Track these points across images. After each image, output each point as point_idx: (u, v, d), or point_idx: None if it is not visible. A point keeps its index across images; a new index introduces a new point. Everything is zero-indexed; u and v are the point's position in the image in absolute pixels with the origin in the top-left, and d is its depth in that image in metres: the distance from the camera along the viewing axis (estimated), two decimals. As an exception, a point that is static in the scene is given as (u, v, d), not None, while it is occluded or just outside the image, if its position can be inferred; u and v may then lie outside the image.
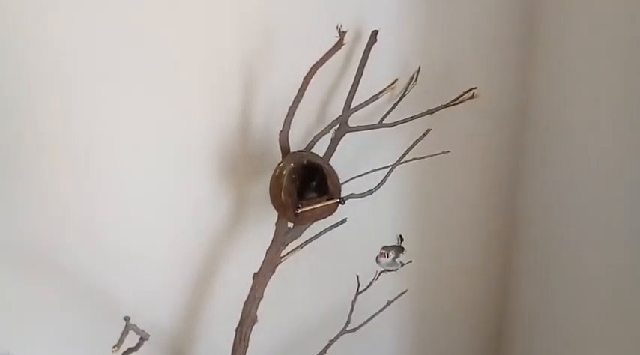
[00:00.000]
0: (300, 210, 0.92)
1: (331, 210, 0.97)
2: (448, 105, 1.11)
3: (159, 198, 1.16)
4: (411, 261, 1.08)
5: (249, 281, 1.09)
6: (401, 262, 1.05)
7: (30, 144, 1.06)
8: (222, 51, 1.09)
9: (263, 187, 1.05)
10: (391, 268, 1.05)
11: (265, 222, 1.09)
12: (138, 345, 0.74)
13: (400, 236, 1.09)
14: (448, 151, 1.09)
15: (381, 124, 1.11)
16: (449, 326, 1.38)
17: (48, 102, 1.05)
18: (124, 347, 0.74)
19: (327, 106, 1.16)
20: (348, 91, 1.06)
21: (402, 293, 1.15)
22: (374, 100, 1.04)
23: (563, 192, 1.15)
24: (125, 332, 0.71)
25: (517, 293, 1.34)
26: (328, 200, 0.95)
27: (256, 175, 1.19)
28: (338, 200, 0.95)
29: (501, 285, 1.35)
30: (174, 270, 1.22)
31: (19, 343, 1.15)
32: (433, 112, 1.11)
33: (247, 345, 1.11)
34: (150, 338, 1.19)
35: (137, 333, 0.72)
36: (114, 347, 0.71)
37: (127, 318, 0.69)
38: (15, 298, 1.13)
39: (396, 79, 1.08)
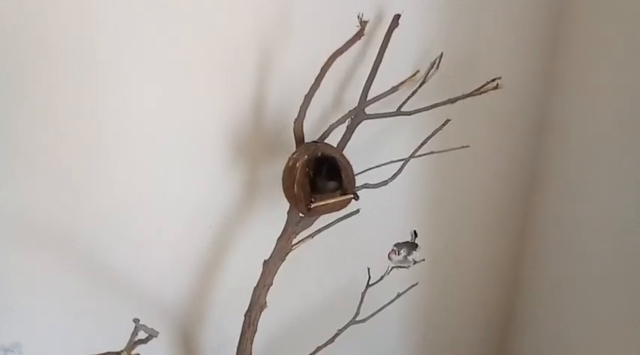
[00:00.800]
0: (313, 205, 0.90)
1: (344, 204, 0.95)
2: (470, 94, 1.06)
3: (171, 180, 1.15)
4: (423, 260, 1.06)
5: (259, 265, 1.08)
6: (413, 260, 1.03)
7: (41, 121, 1.04)
8: (239, 34, 1.05)
9: (276, 171, 1.03)
10: (403, 265, 1.04)
11: (277, 205, 1.07)
12: (147, 339, 0.74)
13: (414, 231, 1.07)
14: (467, 146, 1.06)
15: (398, 112, 1.08)
16: (456, 321, 1.38)
17: (59, 79, 1.02)
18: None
19: (343, 91, 1.12)
20: (366, 79, 1.01)
21: (413, 285, 1.14)
22: (393, 92, 1.00)
23: (580, 191, 1.13)
24: (135, 334, 0.70)
25: (526, 291, 1.34)
26: (342, 195, 0.93)
27: (269, 159, 1.16)
28: (352, 196, 0.92)
29: (511, 283, 1.35)
30: (185, 252, 1.21)
31: (29, 319, 1.16)
32: (454, 101, 1.06)
33: (256, 330, 1.11)
34: (160, 312, 1.24)
35: (146, 333, 0.71)
36: (122, 352, 0.70)
37: (136, 321, 0.69)
38: (25, 275, 1.14)
39: (417, 71, 1.03)
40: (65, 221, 1.12)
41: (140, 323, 0.68)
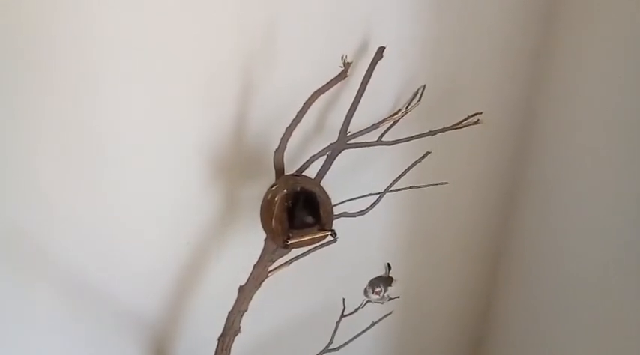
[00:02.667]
0: (290, 241, 0.90)
1: (321, 239, 0.95)
2: (451, 128, 1.07)
3: (148, 196, 1.12)
4: (398, 297, 1.07)
5: (235, 285, 1.08)
6: (388, 296, 1.04)
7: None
8: (221, 52, 1.03)
9: (255, 192, 1.02)
10: (378, 302, 1.05)
11: (256, 225, 1.06)
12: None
13: (388, 264, 1.07)
14: (446, 183, 1.06)
15: (379, 142, 1.07)
16: (430, 348, 1.40)
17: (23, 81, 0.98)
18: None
19: (326, 116, 1.12)
20: (348, 110, 1.01)
21: (387, 315, 1.15)
22: (374, 129, 1.00)
23: (556, 229, 1.14)
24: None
25: (498, 322, 1.36)
26: (319, 230, 0.93)
27: (249, 179, 1.16)
28: (329, 232, 0.92)
29: (484, 315, 1.37)
30: (161, 268, 1.20)
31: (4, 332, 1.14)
32: (434, 134, 1.07)
33: (229, 355, 1.11)
34: (135, 327, 1.23)
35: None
36: None
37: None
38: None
39: (399, 110, 1.03)
40: (38, 233, 1.09)
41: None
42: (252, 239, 1.06)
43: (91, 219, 1.10)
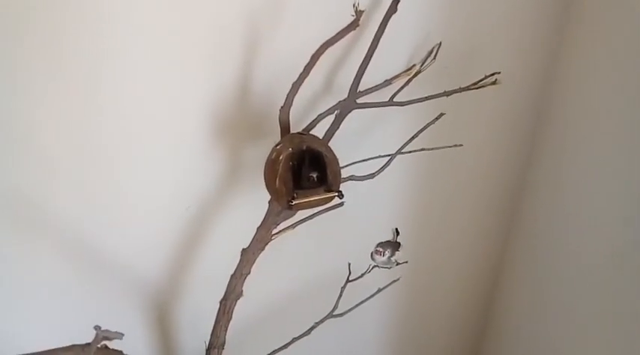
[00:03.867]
0: (295, 202, 0.86)
1: (327, 201, 0.91)
2: (466, 88, 1.01)
3: (148, 158, 1.09)
4: (406, 262, 1.03)
5: (238, 250, 1.05)
6: (396, 261, 1.00)
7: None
8: (226, 8, 0.97)
9: (259, 154, 0.98)
10: (385, 266, 1.01)
11: (259, 189, 1.02)
12: (112, 337, 0.70)
13: (396, 229, 1.03)
14: (461, 145, 1.01)
15: (391, 102, 1.02)
16: (434, 321, 1.37)
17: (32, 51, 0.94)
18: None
19: (335, 76, 1.06)
20: (359, 67, 0.96)
21: (394, 281, 1.11)
22: (386, 85, 0.94)
23: (572, 198, 1.09)
24: (96, 342, 0.67)
25: (506, 297, 1.33)
26: (326, 191, 0.89)
27: (253, 141, 1.11)
28: (336, 194, 0.88)
29: (491, 286, 1.33)
30: (162, 233, 1.16)
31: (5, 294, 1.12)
32: (449, 94, 1.01)
33: (230, 318, 1.09)
34: (136, 291, 1.20)
35: (110, 338, 0.68)
36: None
37: (97, 328, 0.65)
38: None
39: (413, 65, 0.97)
40: (39, 198, 1.06)
41: (102, 329, 0.64)
42: (257, 201, 1.02)
43: (93, 183, 1.07)
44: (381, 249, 0.99)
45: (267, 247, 1.05)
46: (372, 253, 1.01)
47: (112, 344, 0.87)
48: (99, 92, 0.99)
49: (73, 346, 0.79)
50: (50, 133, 1.01)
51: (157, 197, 1.12)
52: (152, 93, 1.02)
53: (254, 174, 1.10)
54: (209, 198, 1.15)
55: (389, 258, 0.99)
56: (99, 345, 0.83)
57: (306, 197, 0.87)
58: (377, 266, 1.03)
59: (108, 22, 0.93)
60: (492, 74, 1.00)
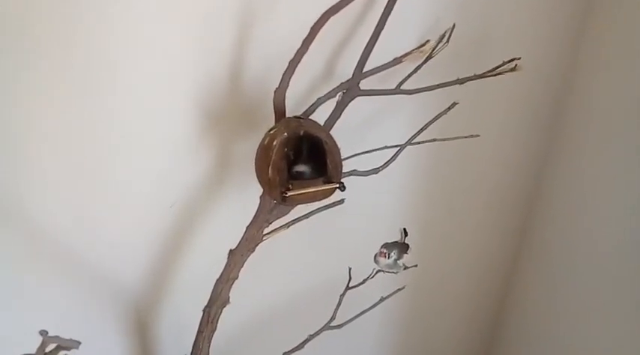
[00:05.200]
0: (289, 194, 0.75)
1: (327, 194, 0.81)
2: (483, 75, 0.92)
3: (130, 151, 0.99)
4: (415, 266, 0.93)
5: (224, 254, 0.95)
6: (404, 265, 0.89)
7: None
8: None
9: (251, 147, 0.87)
10: (391, 270, 0.90)
11: (250, 186, 0.92)
12: (69, 347, 0.59)
13: (404, 229, 0.93)
14: (477, 135, 0.91)
15: (398, 90, 0.93)
16: (442, 329, 1.27)
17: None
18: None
19: (337, 61, 0.97)
20: (364, 47, 0.86)
21: (399, 289, 1.00)
22: (395, 64, 0.85)
23: (590, 194, 1.00)
24: (41, 350, 0.55)
25: (519, 301, 1.23)
26: (325, 183, 0.78)
27: (245, 133, 1.02)
28: (337, 185, 0.78)
29: (504, 291, 1.24)
30: (143, 233, 1.06)
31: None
32: (463, 82, 0.92)
33: (215, 329, 0.98)
34: (113, 296, 1.09)
35: (62, 345, 0.56)
36: None
37: (43, 333, 0.53)
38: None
39: (428, 41, 0.87)
40: (14, 194, 0.96)
41: (49, 335, 0.52)
42: (248, 199, 0.93)
43: (72, 180, 0.98)
44: (385, 251, 0.88)
45: (257, 249, 0.95)
46: (375, 255, 0.90)
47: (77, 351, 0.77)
48: (78, 83, 0.90)
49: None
50: (23, 127, 0.91)
51: (138, 194, 1.02)
52: (134, 82, 0.93)
53: (245, 169, 0.99)
54: (195, 195, 1.05)
55: (395, 260, 0.88)
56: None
57: (303, 188, 0.77)
58: (381, 270, 0.91)
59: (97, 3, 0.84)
60: (512, 60, 0.91)
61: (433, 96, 0.93)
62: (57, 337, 0.54)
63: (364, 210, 1.05)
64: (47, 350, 0.62)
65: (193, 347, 0.98)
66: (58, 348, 0.62)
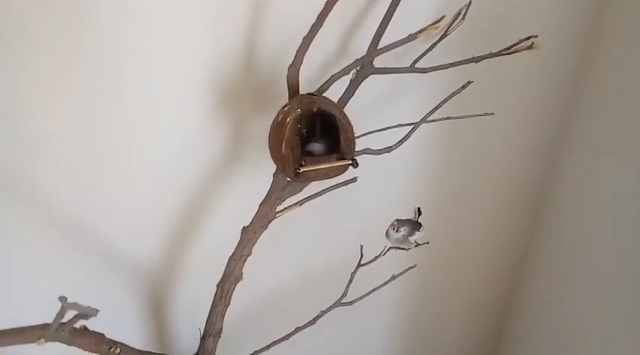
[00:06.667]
0: (302, 170, 0.75)
1: (340, 170, 0.81)
2: (499, 53, 0.91)
3: (145, 131, 0.99)
4: (427, 243, 0.93)
5: (238, 233, 0.95)
6: (416, 241, 0.89)
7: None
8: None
9: (265, 125, 0.88)
10: (402, 246, 0.90)
11: (265, 165, 0.92)
12: (87, 315, 0.60)
13: (418, 209, 0.92)
14: (492, 113, 0.90)
15: (412, 68, 0.92)
16: (451, 313, 1.27)
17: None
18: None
19: (351, 39, 0.96)
20: (379, 24, 0.85)
21: (410, 267, 1.00)
22: (409, 41, 0.84)
23: (602, 183, 0.98)
24: (60, 315, 0.57)
25: (528, 287, 1.23)
26: (338, 159, 0.78)
27: (259, 111, 1.01)
28: (350, 162, 0.78)
29: (514, 279, 1.23)
30: (159, 211, 1.07)
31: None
32: (478, 61, 0.91)
33: (229, 303, 0.99)
34: (129, 280, 1.11)
35: (80, 312, 0.58)
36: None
37: (62, 299, 0.55)
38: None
39: (443, 16, 0.86)
40: (30, 173, 0.97)
41: (68, 302, 0.54)
42: (262, 177, 0.92)
43: (81, 157, 0.98)
44: (396, 224, 0.87)
45: (270, 227, 0.95)
46: (387, 230, 0.90)
47: (92, 325, 0.79)
48: (94, 64, 0.90)
49: (46, 325, 0.69)
50: (43, 104, 0.91)
51: (152, 171, 1.03)
52: (149, 59, 0.93)
53: (259, 146, 0.99)
54: (210, 172, 1.06)
55: (404, 236, 0.88)
56: (77, 326, 0.74)
57: (316, 164, 0.77)
58: (393, 247, 0.91)
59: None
60: (528, 38, 0.89)
61: (448, 76, 0.92)
62: (75, 303, 0.55)
63: (377, 188, 1.05)
64: (65, 320, 0.64)
65: (207, 322, 1.00)
66: (77, 317, 0.63)
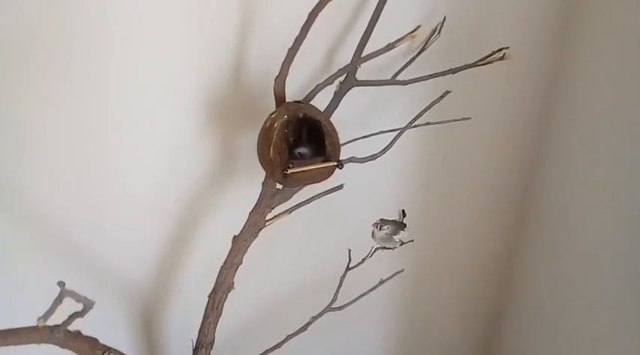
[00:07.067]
0: (289, 171, 0.79)
1: (326, 173, 0.84)
2: (474, 65, 0.96)
3: (135, 147, 1.01)
4: (412, 241, 0.95)
5: (229, 243, 0.97)
6: (400, 240, 0.92)
7: None
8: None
9: (254, 138, 0.91)
10: (387, 245, 0.93)
11: (252, 178, 0.96)
12: (83, 311, 0.62)
13: (403, 211, 0.96)
14: (469, 118, 0.94)
15: (393, 81, 0.97)
16: (442, 315, 1.28)
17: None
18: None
19: (334, 51, 1.01)
20: (361, 36, 0.90)
21: (398, 272, 1.03)
22: (389, 49, 0.89)
23: (585, 179, 1.02)
24: (58, 301, 0.59)
25: (517, 289, 1.24)
26: (324, 162, 0.82)
27: (247, 125, 1.04)
28: (335, 163, 0.81)
29: (502, 278, 1.25)
30: (149, 228, 1.09)
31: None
32: (455, 72, 0.95)
33: (220, 314, 1.00)
34: (120, 293, 1.12)
35: (77, 301, 0.60)
36: (39, 318, 0.59)
37: (60, 284, 0.57)
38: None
39: (419, 26, 0.92)
40: (17, 188, 0.98)
41: (67, 288, 0.56)
42: (251, 191, 0.95)
43: (76, 175, 1.00)
44: (380, 223, 0.90)
45: (260, 236, 0.97)
46: (372, 231, 0.92)
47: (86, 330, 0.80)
48: (81, 77, 0.93)
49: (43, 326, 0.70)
50: (27, 119, 0.94)
51: (143, 190, 1.05)
52: (137, 75, 0.95)
53: (249, 159, 1.03)
54: (200, 187, 1.08)
55: (388, 234, 0.91)
56: (71, 330, 0.75)
57: (303, 166, 0.80)
58: (379, 248, 0.94)
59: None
60: (500, 49, 0.95)
61: (428, 88, 0.96)
62: (73, 291, 0.57)
63: (362, 195, 1.08)
64: (60, 322, 0.65)
65: (199, 331, 1.00)
66: (73, 316, 0.65)
